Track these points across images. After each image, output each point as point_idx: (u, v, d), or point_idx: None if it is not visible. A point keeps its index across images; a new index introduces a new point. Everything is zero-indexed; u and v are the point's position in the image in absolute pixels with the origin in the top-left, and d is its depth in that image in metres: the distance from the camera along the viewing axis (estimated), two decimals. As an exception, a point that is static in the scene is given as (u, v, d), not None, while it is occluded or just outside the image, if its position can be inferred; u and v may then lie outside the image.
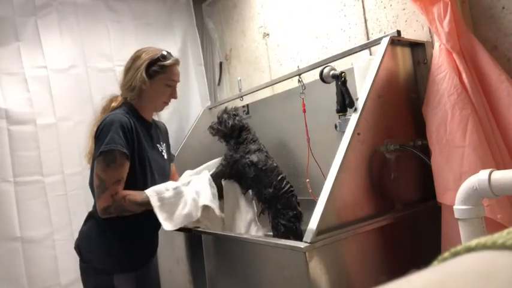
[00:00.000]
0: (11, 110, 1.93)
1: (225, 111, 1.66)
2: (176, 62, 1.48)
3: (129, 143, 1.34)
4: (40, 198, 1.93)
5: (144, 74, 1.41)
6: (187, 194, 1.40)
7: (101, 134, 1.33)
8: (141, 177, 1.39)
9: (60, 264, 1.93)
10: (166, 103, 1.53)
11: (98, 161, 1.31)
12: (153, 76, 1.43)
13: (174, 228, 1.34)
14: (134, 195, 1.33)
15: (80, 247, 1.42)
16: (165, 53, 1.46)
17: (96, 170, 1.32)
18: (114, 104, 1.47)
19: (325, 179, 1.14)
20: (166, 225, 1.33)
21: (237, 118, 1.63)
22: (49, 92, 2.03)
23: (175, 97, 1.53)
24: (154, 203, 1.32)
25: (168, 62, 1.45)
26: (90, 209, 2.05)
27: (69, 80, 2.09)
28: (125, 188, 1.33)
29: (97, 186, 1.32)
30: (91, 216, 1.45)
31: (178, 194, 1.38)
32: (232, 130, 1.60)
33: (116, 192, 1.30)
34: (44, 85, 2.02)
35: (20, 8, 2.01)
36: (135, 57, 1.45)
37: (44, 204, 1.94)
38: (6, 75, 1.94)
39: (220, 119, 1.65)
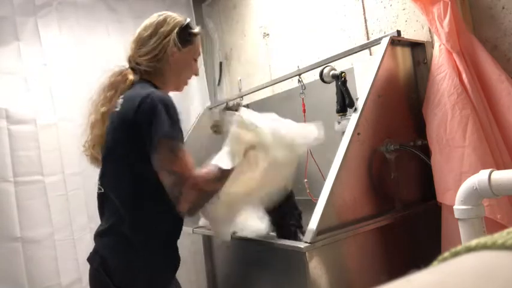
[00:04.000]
0: (11, 110, 1.93)
1: (227, 107, 1.66)
2: (202, 33, 1.26)
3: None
4: (40, 198, 1.93)
5: (177, 41, 1.16)
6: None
7: (149, 119, 1.01)
8: None
9: (61, 264, 1.93)
10: (189, 79, 1.29)
11: (159, 154, 1.00)
12: (183, 46, 1.18)
13: None
14: (206, 173, 1.03)
15: (109, 269, 1.09)
16: (189, 19, 1.23)
17: (162, 164, 1.01)
18: (131, 78, 1.19)
19: (324, 179, 1.14)
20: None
21: (229, 104, 1.62)
22: (49, 92, 2.03)
23: (197, 74, 1.30)
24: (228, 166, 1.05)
25: (196, 30, 1.23)
26: (90, 209, 2.02)
27: (69, 79, 2.09)
28: (155, 185, 1.03)
29: (172, 184, 1.00)
30: (112, 231, 1.12)
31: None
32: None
33: (196, 182, 1.00)
34: (44, 85, 2.02)
35: (20, 8, 2.01)
36: (159, 22, 1.17)
37: (44, 204, 1.94)
38: (6, 75, 1.95)
39: (223, 115, 1.64)
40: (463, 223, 0.99)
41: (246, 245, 1.24)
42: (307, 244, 1.02)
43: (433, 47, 1.33)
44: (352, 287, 1.12)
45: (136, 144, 1.04)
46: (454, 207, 1.01)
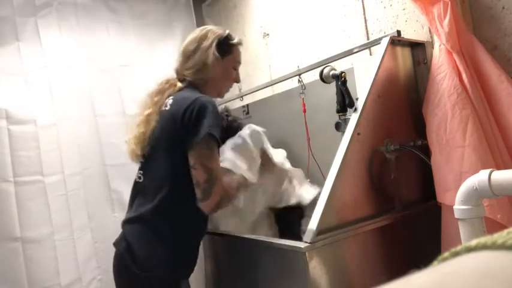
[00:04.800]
0: (11, 110, 1.92)
1: (228, 119, 1.65)
2: (241, 42, 1.39)
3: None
4: (40, 198, 1.93)
5: (217, 53, 1.28)
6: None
7: (197, 117, 1.13)
8: None
9: (60, 264, 1.92)
10: (230, 87, 1.41)
11: (201, 149, 1.12)
12: (223, 56, 1.31)
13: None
14: (230, 178, 1.21)
15: (134, 254, 1.16)
16: (228, 31, 1.36)
17: (199, 160, 1.12)
18: (179, 85, 1.29)
19: (325, 179, 1.15)
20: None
21: (230, 118, 1.63)
22: (49, 92, 2.02)
23: (238, 81, 1.43)
24: (243, 169, 1.25)
25: (236, 41, 1.36)
26: (90, 209, 2.03)
27: (69, 80, 2.09)
28: (190, 183, 1.15)
29: (205, 180, 1.11)
30: (142, 219, 1.20)
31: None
32: (227, 131, 1.56)
33: (224, 185, 1.14)
34: (44, 85, 2.02)
35: (20, 8, 2.01)
36: (201, 37, 1.30)
37: (44, 204, 1.94)
38: (6, 75, 1.94)
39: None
40: (463, 223, 0.99)
41: (246, 244, 1.24)
42: (307, 244, 1.02)
43: (433, 47, 1.33)
44: (352, 287, 1.12)
45: (179, 142, 1.15)
46: (454, 207, 1.01)
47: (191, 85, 1.29)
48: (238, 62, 1.40)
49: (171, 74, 1.37)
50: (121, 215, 2.12)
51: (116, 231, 2.19)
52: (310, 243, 1.02)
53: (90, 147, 2.09)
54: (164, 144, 1.19)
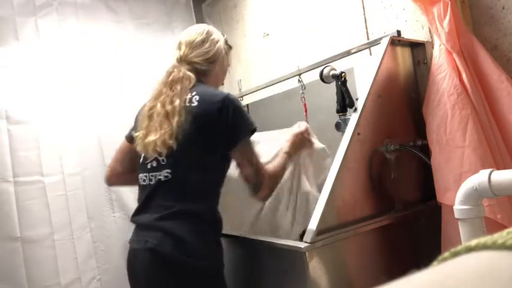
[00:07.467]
0: (11, 110, 1.92)
1: None
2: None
3: None
4: (40, 198, 1.93)
5: (226, 47, 1.38)
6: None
7: (235, 116, 1.19)
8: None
9: (60, 264, 1.93)
10: (221, 85, 1.49)
11: (246, 146, 1.21)
12: (225, 53, 1.39)
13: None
14: (274, 164, 1.29)
15: (186, 247, 1.15)
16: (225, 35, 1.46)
17: (246, 156, 1.21)
18: (193, 76, 1.28)
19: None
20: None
21: None
22: (49, 92, 2.02)
23: (223, 83, 1.52)
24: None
25: (231, 45, 1.45)
26: (90, 208, 2.02)
27: (69, 80, 2.09)
28: (219, 176, 1.25)
29: (253, 174, 1.20)
30: (184, 213, 1.18)
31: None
32: None
33: (269, 172, 1.23)
34: (43, 85, 2.02)
35: (20, 8, 2.01)
36: (208, 31, 1.35)
37: (44, 204, 1.94)
38: (6, 75, 1.94)
39: None
40: (463, 223, 0.99)
41: (246, 244, 1.24)
42: (307, 244, 1.02)
43: (433, 47, 1.33)
44: (352, 287, 1.12)
45: (216, 139, 1.20)
46: (454, 207, 1.01)
47: (199, 76, 1.30)
48: (229, 65, 1.46)
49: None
50: (121, 214, 2.12)
51: (116, 231, 2.20)
52: (310, 243, 1.02)
53: (90, 147, 2.09)
54: (198, 140, 1.20)
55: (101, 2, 2.25)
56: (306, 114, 1.62)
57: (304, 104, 1.63)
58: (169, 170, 1.21)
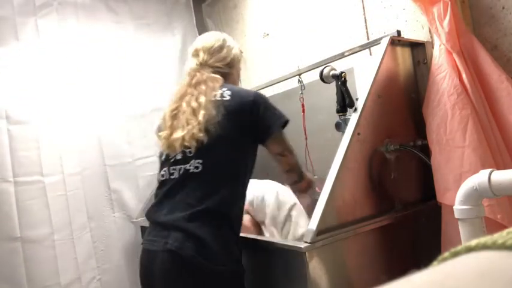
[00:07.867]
0: (11, 110, 1.92)
1: None
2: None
3: None
4: (40, 198, 1.93)
5: (239, 53, 1.44)
6: None
7: (266, 110, 1.25)
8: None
9: (60, 264, 1.93)
10: None
11: (282, 136, 1.29)
12: (240, 59, 1.46)
13: None
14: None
15: (209, 252, 1.11)
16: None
17: (285, 146, 1.29)
18: (219, 77, 1.32)
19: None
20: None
21: None
22: (49, 92, 2.03)
23: None
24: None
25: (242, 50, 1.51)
26: (90, 208, 2.02)
27: (69, 80, 2.09)
28: (247, 170, 1.26)
29: (296, 162, 1.33)
30: (211, 213, 1.14)
31: None
32: None
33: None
34: (43, 85, 2.02)
35: (20, 8, 2.01)
36: (224, 39, 1.41)
37: (44, 204, 1.94)
38: (6, 75, 1.94)
39: None
40: (463, 223, 0.99)
41: (246, 244, 1.24)
42: (307, 244, 1.02)
43: (433, 47, 1.33)
44: (352, 287, 1.12)
45: (249, 132, 1.23)
46: (454, 207, 1.01)
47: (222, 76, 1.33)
48: (240, 69, 1.50)
49: (171, 73, 1.37)
50: (121, 214, 2.13)
51: (116, 231, 2.20)
52: (310, 243, 1.02)
53: (90, 147, 2.09)
54: (231, 132, 1.20)
55: (101, 2, 2.26)
56: (304, 114, 1.62)
57: (302, 105, 1.63)
58: (200, 161, 1.17)
